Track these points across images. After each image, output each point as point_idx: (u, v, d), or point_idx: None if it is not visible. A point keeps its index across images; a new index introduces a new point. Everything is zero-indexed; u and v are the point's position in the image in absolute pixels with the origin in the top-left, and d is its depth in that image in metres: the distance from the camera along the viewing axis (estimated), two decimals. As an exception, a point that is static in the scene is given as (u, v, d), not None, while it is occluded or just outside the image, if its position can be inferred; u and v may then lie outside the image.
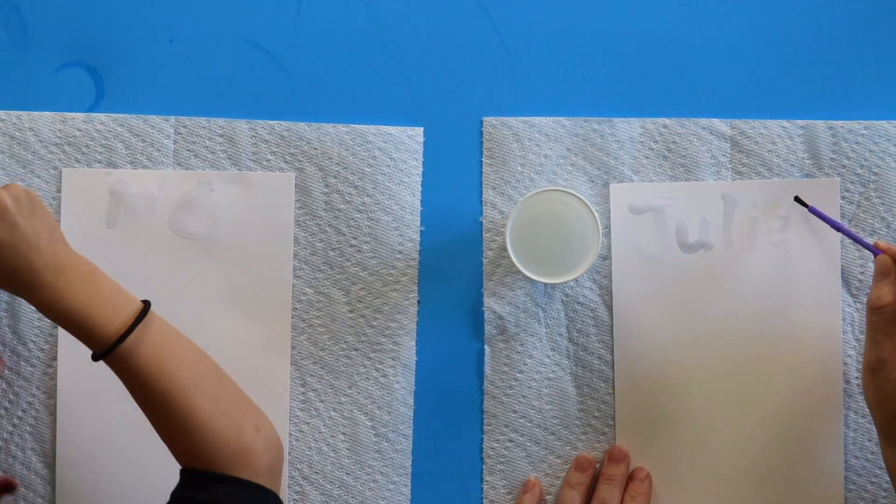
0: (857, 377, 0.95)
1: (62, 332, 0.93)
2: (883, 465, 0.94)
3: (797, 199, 0.95)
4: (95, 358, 0.79)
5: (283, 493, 0.94)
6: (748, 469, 0.95)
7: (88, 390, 0.94)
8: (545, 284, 0.94)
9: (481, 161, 0.96)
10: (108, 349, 0.77)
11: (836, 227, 0.93)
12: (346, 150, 0.95)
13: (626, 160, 0.96)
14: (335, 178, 0.95)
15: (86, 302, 0.77)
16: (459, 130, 0.97)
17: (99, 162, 0.95)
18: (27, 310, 0.94)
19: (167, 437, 0.80)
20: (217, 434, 0.79)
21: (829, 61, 0.97)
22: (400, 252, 0.96)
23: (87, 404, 0.94)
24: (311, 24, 0.96)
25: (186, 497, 0.79)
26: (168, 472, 0.94)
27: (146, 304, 0.80)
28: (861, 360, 0.92)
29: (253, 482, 0.79)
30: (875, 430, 0.88)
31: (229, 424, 0.79)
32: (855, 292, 0.95)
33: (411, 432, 0.95)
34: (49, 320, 0.81)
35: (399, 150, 0.96)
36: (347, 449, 0.95)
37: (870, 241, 0.95)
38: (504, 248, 0.90)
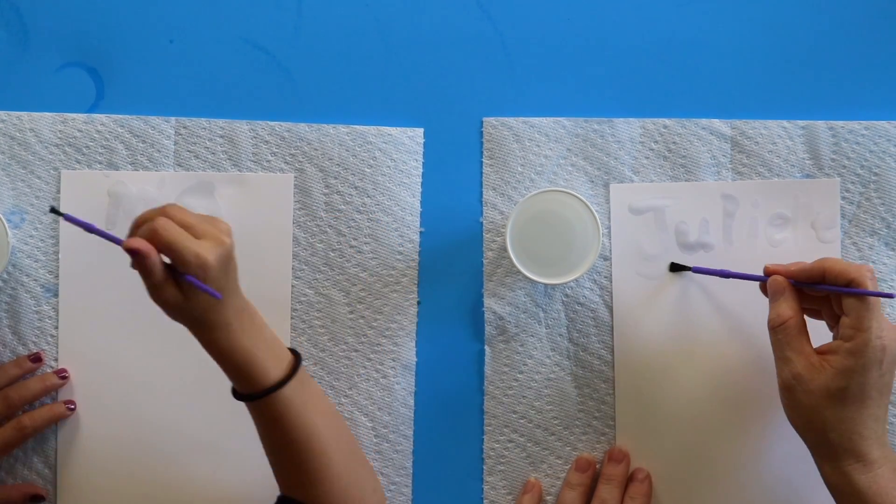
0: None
1: (62, 333, 0.93)
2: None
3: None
4: (246, 398, 0.79)
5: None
6: (748, 469, 0.95)
7: (88, 390, 0.94)
8: (545, 285, 0.94)
9: (481, 161, 0.96)
10: (265, 391, 0.78)
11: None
12: (347, 150, 0.95)
13: (626, 160, 0.96)
14: (335, 178, 0.95)
15: (253, 345, 0.78)
16: (459, 131, 0.97)
17: (99, 163, 0.95)
18: (27, 310, 0.94)
19: (295, 483, 0.81)
20: (345, 490, 0.81)
21: (829, 61, 0.97)
22: (400, 253, 0.95)
23: (87, 404, 0.94)
24: (311, 25, 0.96)
25: None
26: (167, 470, 0.94)
27: (298, 355, 0.81)
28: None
29: None
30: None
31: (357, 482, 0.83)
32: (855, 293, 0.95)
33: (412, 433, 0.95)
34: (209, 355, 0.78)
35: (399, 150, 0.96)
36: (348, 449, 0.95)
37: (869, 241, 0.95)
38: (504, 249, 0.90)
